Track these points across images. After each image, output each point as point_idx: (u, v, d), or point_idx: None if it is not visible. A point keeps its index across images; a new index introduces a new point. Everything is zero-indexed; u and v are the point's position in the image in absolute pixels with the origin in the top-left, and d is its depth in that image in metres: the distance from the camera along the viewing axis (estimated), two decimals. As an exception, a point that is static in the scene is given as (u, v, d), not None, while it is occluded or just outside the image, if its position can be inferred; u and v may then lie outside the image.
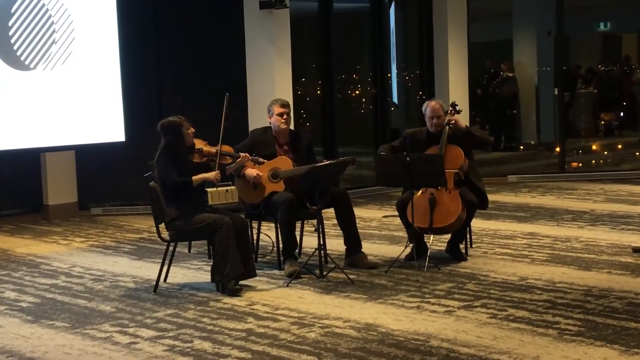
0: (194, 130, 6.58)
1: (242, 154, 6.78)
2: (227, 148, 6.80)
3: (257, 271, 6.66)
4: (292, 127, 7.58)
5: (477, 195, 7.17)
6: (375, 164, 7.03)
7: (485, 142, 7.56)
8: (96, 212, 10.67)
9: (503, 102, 15.19)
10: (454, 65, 12.35)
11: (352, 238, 7.16)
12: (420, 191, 7.07)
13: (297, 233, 7.25)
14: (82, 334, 5.48)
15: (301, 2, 11.56)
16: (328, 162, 6.90)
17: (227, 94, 6.77)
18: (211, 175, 6.48)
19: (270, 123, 7.28)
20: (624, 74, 17.01)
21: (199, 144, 6.66)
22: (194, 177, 6.40)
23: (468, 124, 11.94)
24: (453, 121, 7.20)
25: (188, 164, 6.49)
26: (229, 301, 6.14)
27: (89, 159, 10.59)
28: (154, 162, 6.51)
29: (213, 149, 6.63)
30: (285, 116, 7.19)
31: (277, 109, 7.20)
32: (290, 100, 10.18)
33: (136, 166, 9.55)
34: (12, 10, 8.97)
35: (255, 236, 7.48)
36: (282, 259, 7.06)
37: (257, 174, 6.98)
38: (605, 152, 15.30)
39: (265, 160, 7.00)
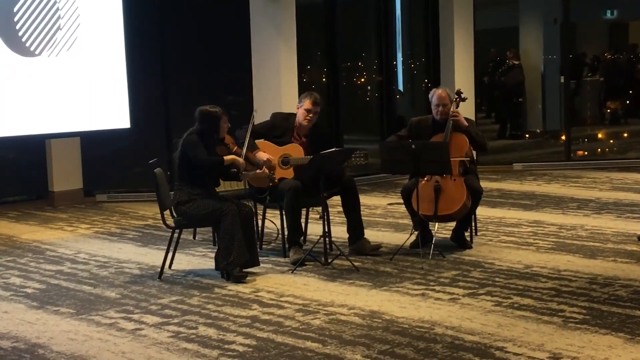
0: (229, 125, 6.60)
1: (264, 167, 6.77)
2: (250, 155, 6.81)
3: (262, 258, 6.68)
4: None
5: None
6: (380, 151, 7.02)
7: (481, 146, 7.39)
8: (101, 199, 10.68)
9: (509, 89, 15.15)
10: (459, 52, 12.31)
11: (356, 226, 7.15)
12: (426, 179, 7.06)
13: (302, 221, 7.24)
14: (87, 320, 5.49)
15: (307, -11, 11.54)
16: (332, 150, 6.88)
17: (255, 110, 6.81)
18: (240, 160, 6.50)
19: (296, 112, 7.23)
20: (631, 62, 16.95)
21: (227, 140, 6.68)
22: (225, 157, 6.42)
23: (474, 112, 12.02)
24: (455, 116, 7.14)
25: (214, 153, 6.49)
26: (234, 288, 6.15)
27: (94, 146, 10.58)
28: (181, 141, 6.50)
29: (239, 152, 6.62)
30: (311, 114, 7.09)
31: (307, 104, 7.09)
32: (295, 87, 10.19)
33: (141, 153, 9.57)
34: (18, -3, 8.97)
35: (260, 223, 7.48)
36: (287, 246, 7.06)
37: (268, 158, 6.94)
38: (611, 141, 15.26)
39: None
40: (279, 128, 7.19)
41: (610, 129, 15.90)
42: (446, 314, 5.37)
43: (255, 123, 6.93)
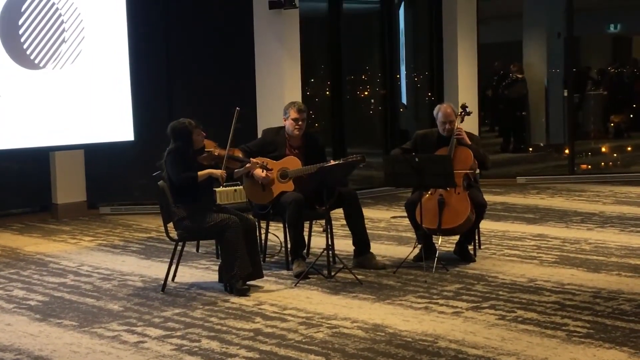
0: (204, 133, 6.58)
1: (252, 160, 6.77)
2: (237, 152, 6.80)
3: (265, 271, 6.67)
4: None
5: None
6: (384, 164, 7.02)
7: (482, 163, 7.35)
8: (105, 211, 10.69)
9: (512, 103, 15.14)
10: (463, 66, 12.33)
11: (361, 239, 7.15)
12: (430, 192, 7.06)
13: (305, 233, 7.24)
14: (90, 333, 5.48)
15: (311, 2, 11.55)
16: (337, 162, 6.88)
17: (237, 108, 6.75)
18: (217, 171, 6.47)
19: (284, 125, 7.24)
20: (634, 76, 16.96)
21: (209, 145, 6.65)
22: (199, 172, 6.40)
23: (477, 125, 12.02)
24: (459, 134, 7.13)
25: (196, 165, 6.48)
26: (237, 301, 6.14)
27: (98, 158, 10.60)
28: (163, 162, 6.52)
29: (222, 152, 6.61)
30: (300, 122, 7.12)
31: (293, 114, 7.13)
32: (298, 100, 10.19)
33: (145, 165, 9.54)
34: (22, 9, 8.98)
35: (263, 236, 7.48)
36: (290, 259, 7.06)
37: (266, 175, 6.95)
38: (615, 154, 15.25)
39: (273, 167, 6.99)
40: (272, 143, 7.20)
41: (614, 142, 15.90)
42: (449, 327, 5.36)
43: (237, 121, 6.80)
